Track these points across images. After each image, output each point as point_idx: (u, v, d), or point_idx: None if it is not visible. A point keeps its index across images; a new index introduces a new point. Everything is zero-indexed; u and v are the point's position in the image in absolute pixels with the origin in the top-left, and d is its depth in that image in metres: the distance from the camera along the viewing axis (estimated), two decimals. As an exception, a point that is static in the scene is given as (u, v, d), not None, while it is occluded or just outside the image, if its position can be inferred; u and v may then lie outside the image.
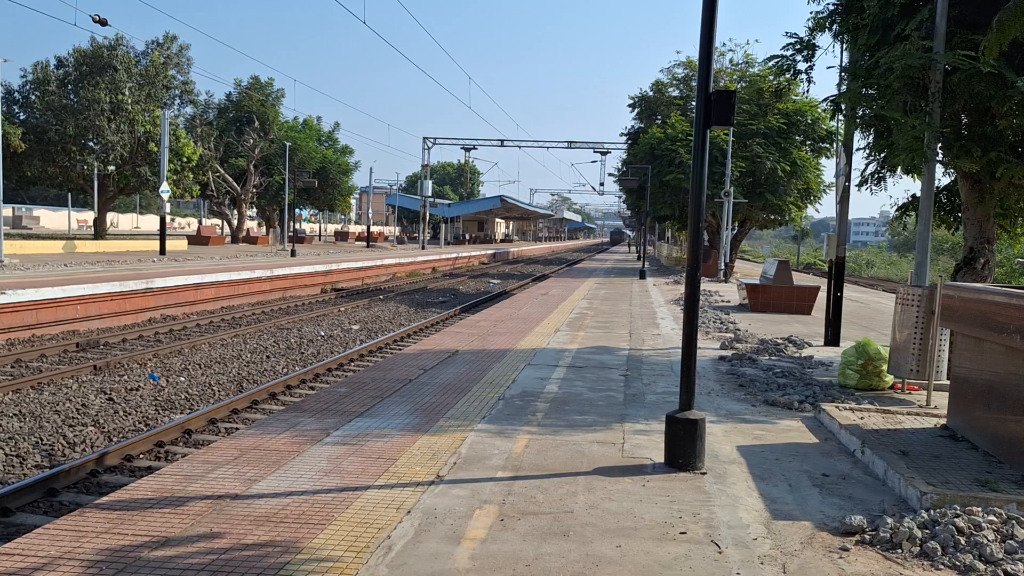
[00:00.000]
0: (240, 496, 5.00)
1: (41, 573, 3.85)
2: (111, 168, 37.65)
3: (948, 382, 7.47)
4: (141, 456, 8.65)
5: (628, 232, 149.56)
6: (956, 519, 4.59)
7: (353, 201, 77.68)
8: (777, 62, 10.43)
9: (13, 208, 69.14)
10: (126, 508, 4.76)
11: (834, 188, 13.09)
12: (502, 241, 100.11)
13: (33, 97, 36.99)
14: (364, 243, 62.61)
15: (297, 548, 4.23)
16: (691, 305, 6.05)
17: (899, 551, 4.40)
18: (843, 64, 11.18)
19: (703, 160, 5.95)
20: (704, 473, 5.78)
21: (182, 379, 12.52)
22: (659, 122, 37.94)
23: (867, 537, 4.58)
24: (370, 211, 67.15)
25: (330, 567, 4.02)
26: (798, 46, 10.25)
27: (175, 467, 5.63)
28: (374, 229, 72.22)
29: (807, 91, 10.33)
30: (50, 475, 7.56)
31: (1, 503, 6.90)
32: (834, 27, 9.99)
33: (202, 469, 5.54)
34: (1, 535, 6.45)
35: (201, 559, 4.05)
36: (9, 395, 10.92)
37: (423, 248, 57.28)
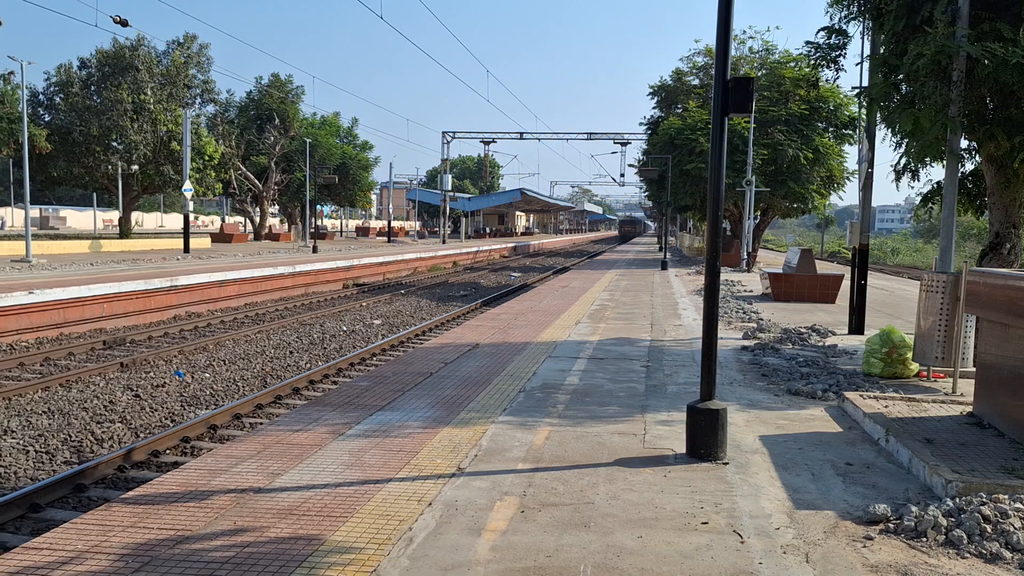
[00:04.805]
0: (263, 489, 5.05)
1: (68, 567, 3.91)
2: (135, 167, 38.08)
3: (974, 369, 7.37)
4: (167, 451, 8.76)
5: (649, 223, 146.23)
6: (982, 507, 4.53)
7: (373, 196, 77.96)
8: (812, 50, 10.31)
9: (40, 209, 70.19)
10: (151, 502, 4.82)
11: (857, 175, 12.95)
12: (523, 234, 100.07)
13: (57, 99, 37.48)
14: (385, 238, 62.85)
15: (320, 540, 4.27)
16: (711, 295, 6.02)
17: (924, 540, 4.35)
18: (866, 53, 11.05)
19: (721, 148, 5.91)
20: (726, 463, 5.75)
21: (207, 375, 12.65)
22: (679, 111, 37.68)
23: (891, 526, 4.54)
24: (390, 206, 67.34)
25: (352, 559, 4.05)
26: (831, 35, 10.14)
27: (199, 461, 5.69)
28: (395, 224, 72.49)
29: (836, 78, 10.22)
30: (78, 471, 7.67)
31: (31, 499, 7.01)
32: (857, 13, 9.85)
33: (226, 463, 5.60)
34: (32, 530, 6.57)
35: (225, 552, 4.10)
36: (39, 393, 11.09)
37: (443, 242, 57.38)
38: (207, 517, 4.58)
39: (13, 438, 9.02)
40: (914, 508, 4.62)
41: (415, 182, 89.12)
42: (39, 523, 6.73)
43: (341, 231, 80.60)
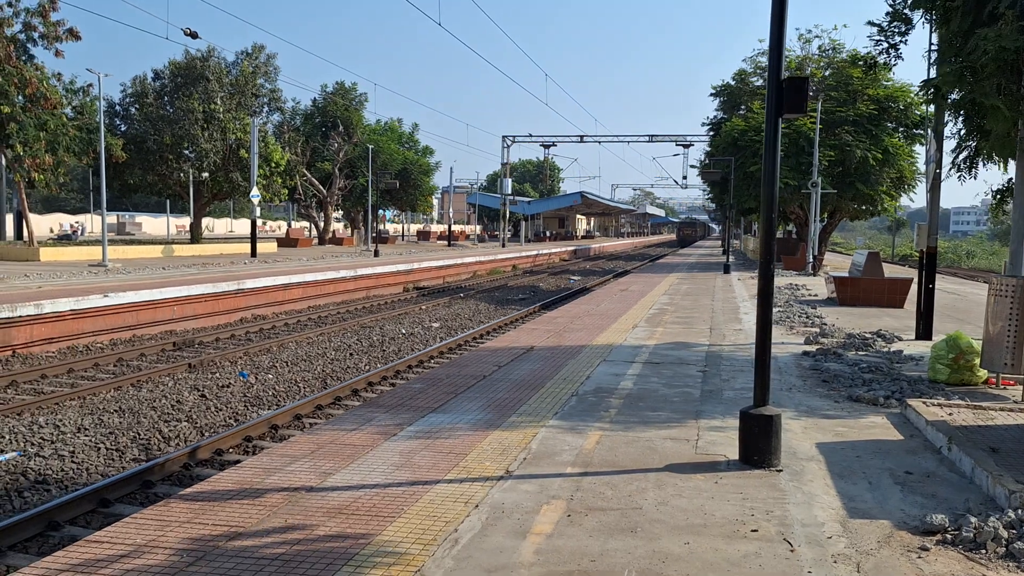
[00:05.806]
0: (315, 488, 5.16)
1: (127, 560, 4.07)
2: (205, 175, 39.27)
3: (1046, 376, 7.08)
4: (230, 450, 9.00)
5: (713, 226, 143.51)
6: (1047, 520, 4.35)
7: (434, 201, 78.79)
8: (875, 32, 10.04)
9: (117, 215, 72.83)
10: (208, 499, 4.97)
11: (925, 176, 12.56)
12: (583, 238, 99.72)
13: (132, 109, 38.91)
14: (445, 242, 63.41)
15: (367, 539, 4.34)
16: (764, 299, 5.92)
17: (983, 551, 4.20)
18: (932, 46, 10.71)
19: (775, 150, 5.82)
20: (780, 470, 5.65)
21: (270, 376, 12.97)
22: (742, 112, 37.06)
23: (949, 537, 4.40)
24: (451, 210, 67.91)
25: (397, 559, 4.11)
26: (894, 19, 9.87)
27: (255, 460, 5.84)
28: (455, 228, 73.08)
29: (893, 63, 9.86)
30: (145, 468, 7.96)
31: (101, 494, 7.30)
32: (921, 8, 9.55)
33: (280, 462, 5.74)
34: (101, 524, 6.83)
35: (275, 549, 4.21)
36: (111, 392, 11.54)
37: (503, 246, 57.58)
38: (260, 514, 4.70)
39: (86, 435, 9.40)
40: (973, 519, 4.46)
41: (475, 186, 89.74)
42: (108, 517, 7.00)
43: (403, 235, 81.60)
